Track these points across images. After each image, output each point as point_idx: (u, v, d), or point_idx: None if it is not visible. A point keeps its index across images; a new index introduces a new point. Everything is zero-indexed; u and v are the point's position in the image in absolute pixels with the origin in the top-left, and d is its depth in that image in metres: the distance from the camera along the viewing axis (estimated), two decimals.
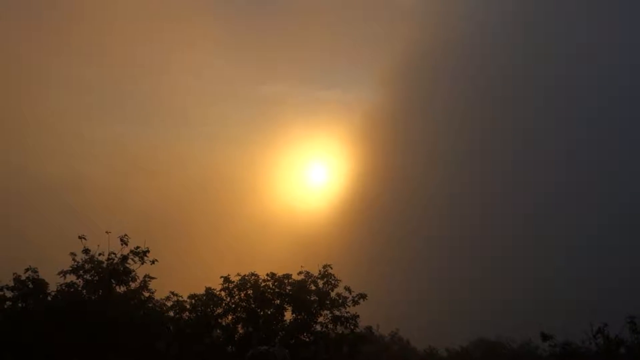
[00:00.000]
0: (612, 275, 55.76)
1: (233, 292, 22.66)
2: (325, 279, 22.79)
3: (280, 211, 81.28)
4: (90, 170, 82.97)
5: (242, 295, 22.62)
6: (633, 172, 70.75)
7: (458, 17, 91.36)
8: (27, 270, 20.11)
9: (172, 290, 22.53)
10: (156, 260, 21.07)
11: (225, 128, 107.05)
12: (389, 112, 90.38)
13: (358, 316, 22.27)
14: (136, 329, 19.91)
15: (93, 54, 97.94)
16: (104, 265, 20.47)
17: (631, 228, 62.94)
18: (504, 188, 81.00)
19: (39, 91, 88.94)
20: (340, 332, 22.17)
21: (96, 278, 20.24)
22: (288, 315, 22.42)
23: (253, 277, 22.91)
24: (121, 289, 20.69)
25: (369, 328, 25.68)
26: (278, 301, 22.47)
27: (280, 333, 22.02)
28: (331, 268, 23.00)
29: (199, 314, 22.31)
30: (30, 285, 19.95)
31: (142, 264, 20.93)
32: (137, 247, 20.91)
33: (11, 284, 19.97)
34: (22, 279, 19.99)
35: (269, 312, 22.26)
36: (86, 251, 20.47)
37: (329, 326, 22.18)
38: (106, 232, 20.69)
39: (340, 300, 22.30)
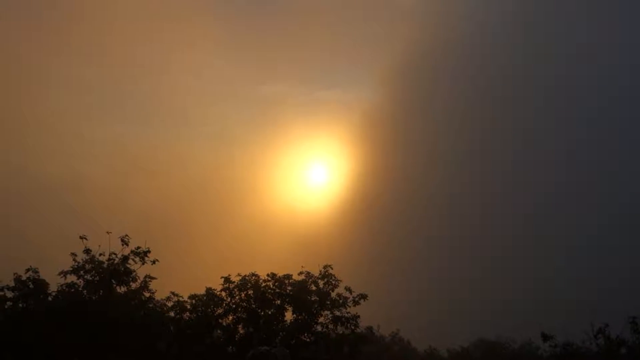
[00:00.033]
0: (612, 275, 55.85)
1: (233, 292, 22.63)
2: (325, 279, 22.75)
3: (280, 211, 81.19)
4: (90, 170, 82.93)
5: (243, 295, 22.60)
6: (633, 172, 70.85)
7: (458, 17, 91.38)
8: (27, 270, 20.05)
9: (173, 291, 22.54)
10: (157, 261, 21.02)
11: (225, 128, 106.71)
12: (388, 112, 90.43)
13: (359, 316, 22.23)
14: (137, 329, 19.88)
15: (93, 54, 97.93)
16: (105, 265, 20.42)
17: (631, 228, 63.05)
18: (504, 188, 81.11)
19: (39, 91, 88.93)
20: (341, 332, 22.13)
21: (97, 278, 20.20)
22: (289, 316, 22.40)
23: (253, 278, 22.89)
24: (122, 289, 20.65)
25: (370, 328, 25.73)
26: (278, 301, 22.45)
27: (280, 333, 21.99)
28: (332, 268, 22.95)
29: (199, 314, 22.30)
30: (31, 286, 19.90)
31: (143, 264, 20.88)
32: (138, 248, 20.85)
33: (12, 284, 19.92)
34: (22, 279, 19.94)
35: (270, 313, 22.24)
36: (87, 251, 20.42)
37: (329, 326, 22.15)
38: (107, 232, 20.66)
39: (340, 301, 22.26)
